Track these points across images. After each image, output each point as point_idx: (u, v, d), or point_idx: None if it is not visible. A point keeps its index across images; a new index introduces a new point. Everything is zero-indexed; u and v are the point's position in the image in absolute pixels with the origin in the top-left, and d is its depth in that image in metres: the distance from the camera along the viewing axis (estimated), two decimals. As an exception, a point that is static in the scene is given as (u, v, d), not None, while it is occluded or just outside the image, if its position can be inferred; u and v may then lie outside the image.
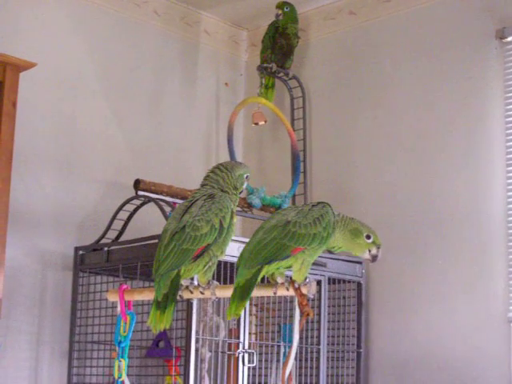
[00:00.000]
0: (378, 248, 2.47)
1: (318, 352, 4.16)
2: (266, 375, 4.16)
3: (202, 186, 2.59)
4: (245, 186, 2.61)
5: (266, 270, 2.39)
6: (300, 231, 2.38)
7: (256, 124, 4.77)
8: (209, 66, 5.18)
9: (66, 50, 4.48)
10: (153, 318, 2.43)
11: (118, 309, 2.56)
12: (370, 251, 2.46)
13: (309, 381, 4.14)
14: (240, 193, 2.62)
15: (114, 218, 4.15)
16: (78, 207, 4.39)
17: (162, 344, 4.07)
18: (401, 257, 4.39)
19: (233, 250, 3.71)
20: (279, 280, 2.41)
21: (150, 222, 4.16)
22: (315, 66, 5.03)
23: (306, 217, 2.41)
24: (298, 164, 4.61)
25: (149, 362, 4.20)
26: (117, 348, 2.54)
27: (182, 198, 4.02)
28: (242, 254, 2.41)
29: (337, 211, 2.49)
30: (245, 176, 2.60)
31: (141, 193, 4.00)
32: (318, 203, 2.47)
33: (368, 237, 2.45)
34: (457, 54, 4.37)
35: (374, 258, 2.47)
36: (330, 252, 4.32)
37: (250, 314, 4.14)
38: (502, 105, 4.17)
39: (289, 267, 2.41)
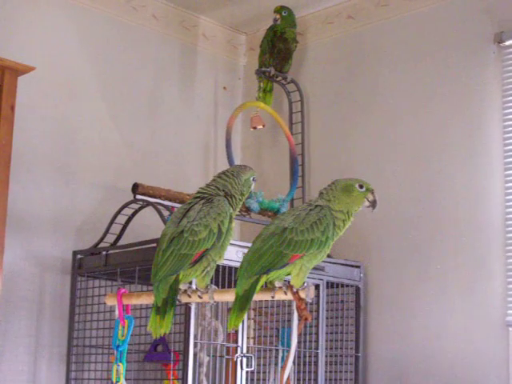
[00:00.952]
0: (373, 193, 2.44)
1: (317, 356, 4.16)
2: (264, 379, 4.16)
3: (207, 186, 2.57)
4: (252, 187, 2.60)
5: (265, 280, 2.37)
6: (297, 238, 2.34)
7: (254, 128, 4.77)
8: (207, 70, 5.19)
9: (64, 54, 4.48)
10: (153, 323, 2.42)
11: (116, 313, 2.56)
12: (367, 199, 2.44)
13: (307, 385, 4.14)
14: (247, 196, 2.61)
15: (112, 221, 4.15)
16: (76, 211, 4.39)
17: (160, 348, 4.07)
18: (399, 261, 4.39)
19: (231, 254, 3.71)
20: (277, 284, 2.39)
21: (148, 225, 4.15)
22: (313, 70, 5.04)
23: (303, 222, 2.37)
24: (297, 168, 4.61)
25: (147, 366, 4.20)
26: (115, 352, 2.54)
27: (180, 202, 4.02)
28: (241, 264, 2.40)
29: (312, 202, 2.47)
30: (251, 179, 2.58)
31: (139, 197, 3.99)
32: (316, 206, 2.44)
33: (360, 186, 2.43)
34: (455, 57, 4.38)
35: (374, 203, 2.45)
36: (328, 256, 4.33)
37: (249, 318, 4.14)
38: (499, 109, 4.18)
39: (288, 274, 2.38)
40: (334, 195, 2.44)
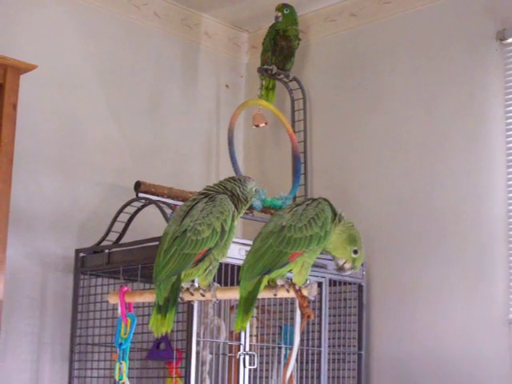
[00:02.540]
0: (352, 266, 2.39)
1: (319, 354, 4.16)
2: (266, 377, 4.16)
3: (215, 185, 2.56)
4: (253, 199, 2.60)
5: (267, 279, 2.36)
6: (295, 235, 2.32)
7: (256, 126, 4.77)
8: (209, 68, 5.19)
9: (66, 52, 4.48)
10: (154, 322, 2.42)
11: (119, 311, 2.56)
12: (345, 261, 2.39)
13: (310, 382, 4.14)
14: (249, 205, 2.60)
15: (114, 220, 4.15)
16: (78, 209, 4.39)
17: (162, 346, 4.07)
18: (402, 259, 4.39)
19: (234, 252, 3.72)
20: (279, 282, 2.38)
21: (150, 224, 4.15)
22: (316, 68, 5.03)
23: (301, 218, 2.35)
24: (299, 166, 4.61)
25: (149, 364, 4.20)
26: (117, 350, 2.54)
27: (182, 200, 4.02)
28: (243, 266, 2.39)
29: (339, 210, 2.43)
30: (254, 190, 2.59)
31: (141, 195, 4.00)
32: (313, 200, 2.42)
33: (355, 252, 2.38)
34: (457, 55, 4.37)
35: (342, 270, 2.40)
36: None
37: (251, 316, 4.13)
38: (502, 106, 4.17)
39: (290, 271, 2.38)
40: (342, 231, 2.39)
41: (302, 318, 2.33)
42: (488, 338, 4.04)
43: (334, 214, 2.40)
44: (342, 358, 4.31)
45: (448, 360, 4.13)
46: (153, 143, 4.80)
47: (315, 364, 4.16)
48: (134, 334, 2.54)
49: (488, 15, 4.27)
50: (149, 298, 2.54)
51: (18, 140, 3.68)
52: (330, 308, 4.25)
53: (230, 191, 2.51)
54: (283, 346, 4.15)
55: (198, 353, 3.71)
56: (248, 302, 2.35)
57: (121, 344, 2.53)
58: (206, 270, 2.45)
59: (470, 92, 4.29)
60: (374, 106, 4.69)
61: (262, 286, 2.35)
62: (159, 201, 3.96)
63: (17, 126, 3.65)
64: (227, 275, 3.77)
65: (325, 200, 2.42)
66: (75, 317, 4.15)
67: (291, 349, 2.35)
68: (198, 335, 3.71)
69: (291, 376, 2.35)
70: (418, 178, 4.42)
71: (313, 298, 2.37)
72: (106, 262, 4.06)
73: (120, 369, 2.52)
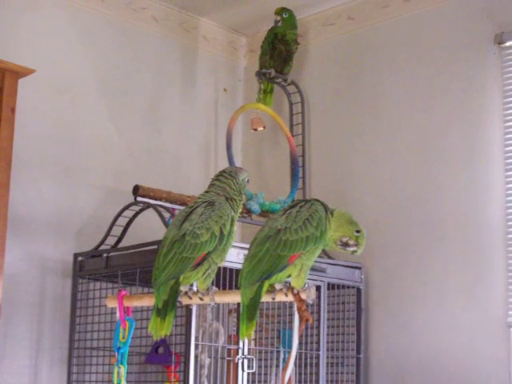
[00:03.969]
0: (356, 242, 2.36)
1: (318, 357, 4.15)
2: (265, 381, 4.15)
3: (207, 192, 2.57)
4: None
5: (268, 284, 2.36)
6: (292, 238, 2.33)
7: (255, 130, 4.77)
8: (207, 72, 5.19)
9: (64, 56, 4.48)
10: (153, 325, 2.42)
11: (117, 315, 2.56)
12: (349, 238, 2.37)
13: (308, 386, 4.14)
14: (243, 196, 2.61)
15: (113, 224, 4.14)
16: (77, 213, 4.39)
17: (161, 350, 4.06)
18: (400, 262, 4.39)
19: (232, 256, 3.71)
20: (277, 286, 2.38)
21: (149, 227, 4.15)
22: (314, 72, 5.04)
23: (295, 220, 2.36)
24: (297, 169, 4.61)
25: (148, 368, 4.20)
26: (116, 354, 2.54)
27: (180, 204, 4.02)
28: (241, 272, 2.39)
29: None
30: (246, 180, 2.59)
31: (140, 199, 3.99)
32: (306, 202, 2.43)
33: (358, 231, 2.37)
34: (455, 59, 4.38)
35: (346, 245, 2.37)
36: (329, 257, 4.33)
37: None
38: (500, 109, 4.18)
39: (289, 276, 2.38)
40: (341, 214, 2.40)
41: (300, 321, 2.33)
42: (487, 340, 4.04)
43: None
44: (341, 362, 4.31)
45: (447, 363, 4.13)
46: (151, 147, 4.80)
47: (314, 368, 4.16)
48: (132, 337, 2.54)
49: (486, 19, 4.27)
50: (147, 301, 2.54)
51: (16, 144, 3.68)
52: (328, 312, 4.25)
53: (223, 196, 2.51)
54: (282, 349, 4.15)
55: (196, 357, 3.71)
56: (251, 309, 2.35)
57: (119, 348, 2.53)
58: (204, 273, 2.46)
59: (468, 95, 4.30)
60: (373, 110, 4.69)
61: (263, 291, 2.35)
62: (157, 205, 3.96)
63: (15, 129, 3.65)
64: (225, 279, 3.76)
65: (317, 201, 2.43)
66: (74, 321, 4.15)
67: (290, 352, 2.35)
68: (197, 339, 3.71)
69: (290, 380, 2.35)
70: (416, 182, 4.42)
71: (311, 302, 2.37)
72: (104, 266, 4.06)
73: (118, 373, 2.52)
